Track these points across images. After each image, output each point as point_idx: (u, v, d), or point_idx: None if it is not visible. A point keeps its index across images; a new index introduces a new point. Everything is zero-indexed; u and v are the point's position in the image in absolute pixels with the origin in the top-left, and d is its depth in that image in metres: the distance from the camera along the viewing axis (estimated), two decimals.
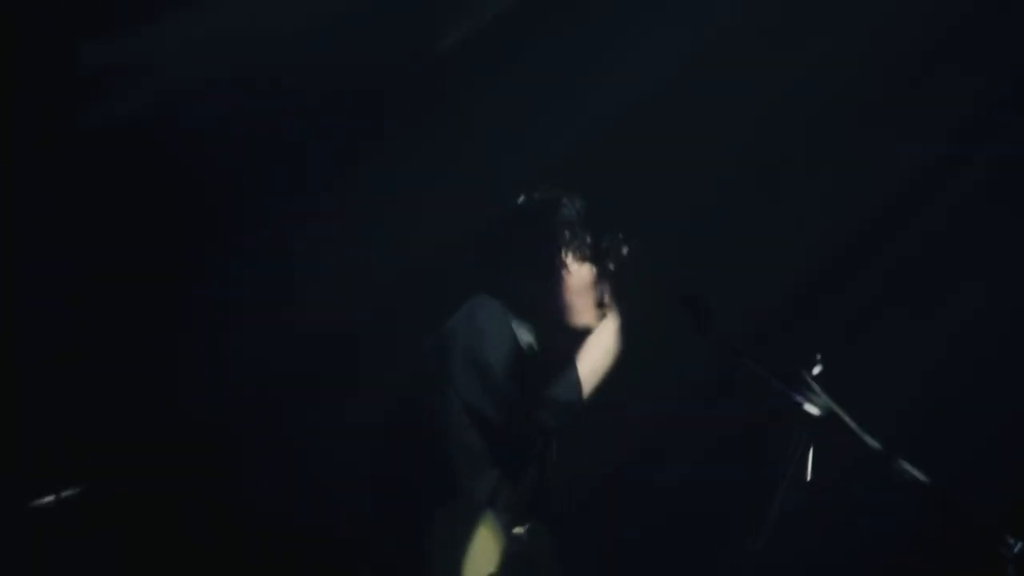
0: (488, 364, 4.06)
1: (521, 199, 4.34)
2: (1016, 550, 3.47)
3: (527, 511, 4.20)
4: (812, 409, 3.70)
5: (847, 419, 3.69)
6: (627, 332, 4.13)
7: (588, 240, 4.27)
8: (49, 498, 4.53)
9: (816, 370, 3.72)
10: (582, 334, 4.25)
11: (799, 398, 3.73)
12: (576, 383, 4.11)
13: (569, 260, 4.26)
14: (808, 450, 3.72)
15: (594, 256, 4.26)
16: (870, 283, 5.57)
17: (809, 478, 3.73)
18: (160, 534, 5.21)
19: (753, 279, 5.37)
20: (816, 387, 3.72)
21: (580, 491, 4.63)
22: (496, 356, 4.08)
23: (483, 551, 4.04)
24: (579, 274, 4.26)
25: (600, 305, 4.26)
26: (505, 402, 4.04)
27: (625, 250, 4.25)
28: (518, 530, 4.16)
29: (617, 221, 4.30)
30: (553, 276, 4.25)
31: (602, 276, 4.26)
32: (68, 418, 5.15)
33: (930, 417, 5.38)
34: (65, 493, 4.54)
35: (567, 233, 4.26)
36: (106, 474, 4.90)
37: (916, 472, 3.61)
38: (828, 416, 3.69)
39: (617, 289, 4.24)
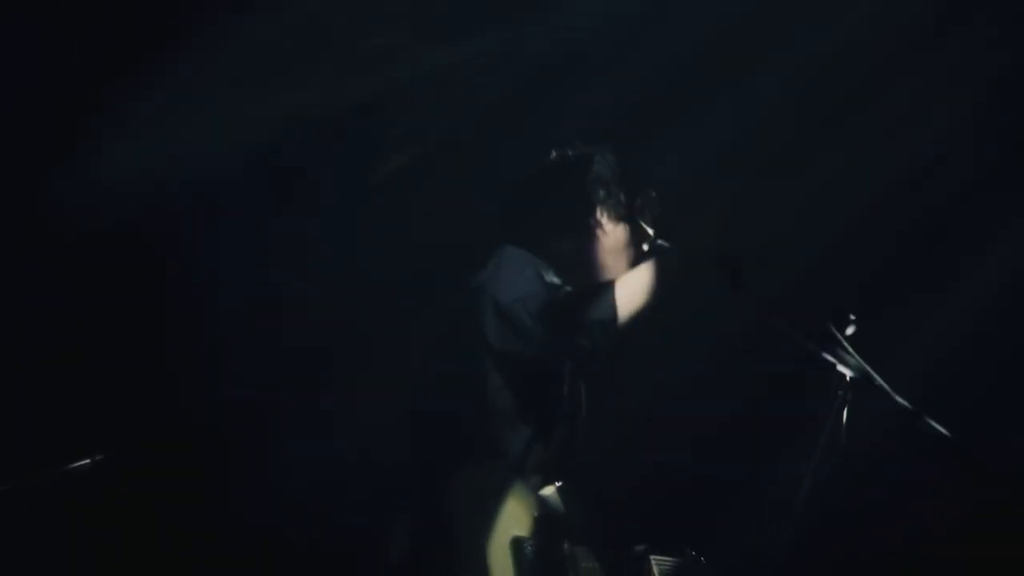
0: (517, 308, 4.01)
1: (554, 156, 4.33)
2: None
3: (557, 471, 4.21)
4: (846, 370, 3.69)
5: (879, 380, 3.69)
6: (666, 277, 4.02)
7: (623, 198, 4.26)
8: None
9: (850, 330, 3.71)
10: None
11: (832, 359, 3.72)
12: (611, 302, 3.97)
13: (604, 219, 4.25)
14: (843, 412, 3.72)
15: (629, 215, 4.26)
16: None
17: (844, 441, 3.73)
18: (152, 533, 5.19)
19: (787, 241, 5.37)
20: (849, 347, 3.71)
21: (610, 450, 4.64)
22: (524, 295, 4.03)
23: (511, 512, 4.03)
24: (614, 233, 4.25)
25: (634, 264, 4.23)
26: (537, 343, 3.99)
27: (660, 208, 4.26)
28: (547, 490, 4.18)
29: (651, 180, 4.31)
30: (588, 235, 4.23)
31: (637, 235, 4.26)
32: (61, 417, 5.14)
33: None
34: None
35: (602, 192, 4.24)
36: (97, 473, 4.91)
37: (945, 432, 3.61)
38: (861, 377, 3.69)
39: (653, 249, 4.23)
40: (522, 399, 4.09)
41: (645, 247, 4.26)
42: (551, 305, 3.99)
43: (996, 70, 5.48)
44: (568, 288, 4.13)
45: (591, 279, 4.19)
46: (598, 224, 4.24)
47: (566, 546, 4.11)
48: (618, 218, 4.25)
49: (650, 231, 4.25)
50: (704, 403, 5.45)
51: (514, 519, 4.03)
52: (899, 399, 3.64)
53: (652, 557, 4.31)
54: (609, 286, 4.01)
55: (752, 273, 3.82)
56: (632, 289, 4.00)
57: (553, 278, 4.14)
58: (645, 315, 4.00)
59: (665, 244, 4.09)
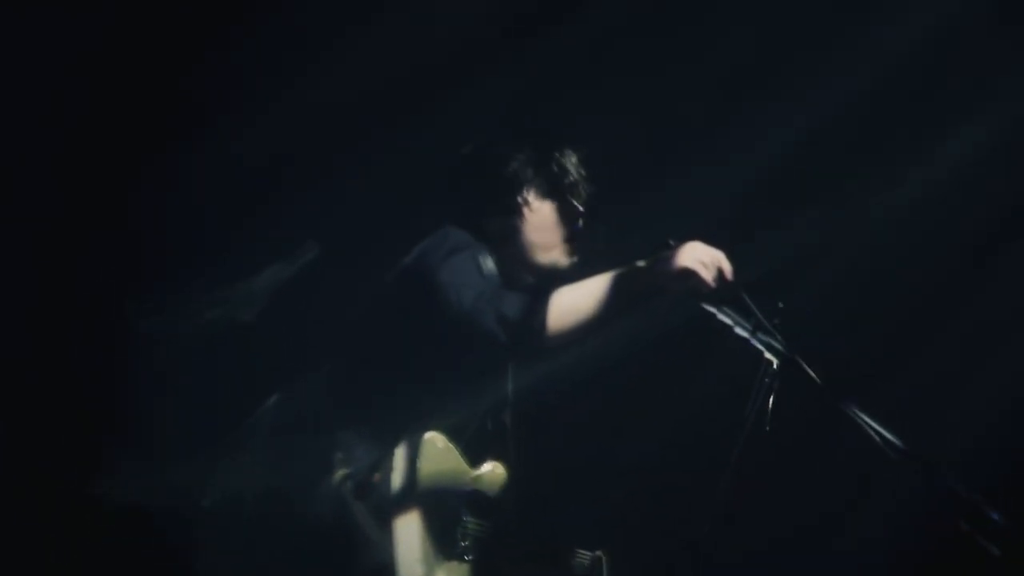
0: (452, 291, 3.97)
1: (482, 141, 4.36)
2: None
3: (496, 453, 4.28)
4: (772, 357, 3.71)
5: (807, 368, 3.70)
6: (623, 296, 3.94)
7: (550, 177, 4.28)
8: None
9: (778, 318, 3.73)
10: (553, 274, 4.25)
11: (760, 345, 3.74)
12: (539, 310, 3.92)
13: (531, 197, 4.27)
14: (769, 399, 3.72)
15: (556, 192, 4.29)
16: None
17: (768, 427, 3.73)
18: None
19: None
20: (778, 334, 3.73)
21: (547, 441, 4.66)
22: (461, 282, 3.98)
23: (439, 471, 4.07)
24: (541, 211, 4.28)
25: (568, 241, 4.29)
26: (464, 328, 3.96)
27: (590, 186, 4.28)
28: (485, 468, 4.24)
29: (583, 160, 4.31)
30: (516, 214, 4.25)
31: (567, 213, 4.29)
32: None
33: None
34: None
35: (529, 170, 4.27)
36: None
37: (876, 424, 3.62)
38: (789, 364, 3.70)
39: (585, 226, 4.26)
40: (441, 370, 4.10)
41: (580, 223, 4.29)
42: (484, 299, 3.97)
43: None
44: (500, 282, 4.12)
45: (523, 257, 4.25)
46: (525, 203, 4.26)
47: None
48: (546, 196, 4.28)
49: (580, 208, 4.27)
50: (633, 394, 5.47)
51: (442, 481, 4.06)
52: (824, 385, 3.65)
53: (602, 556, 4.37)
54: (545, 295, 3.96)
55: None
56: (575, 301, 3.94)
57: (491, 264, 4.15)
58: (590, 328, 3.96)
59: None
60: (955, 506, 3.51)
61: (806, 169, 5.51)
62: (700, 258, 3.83)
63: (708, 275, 3.81)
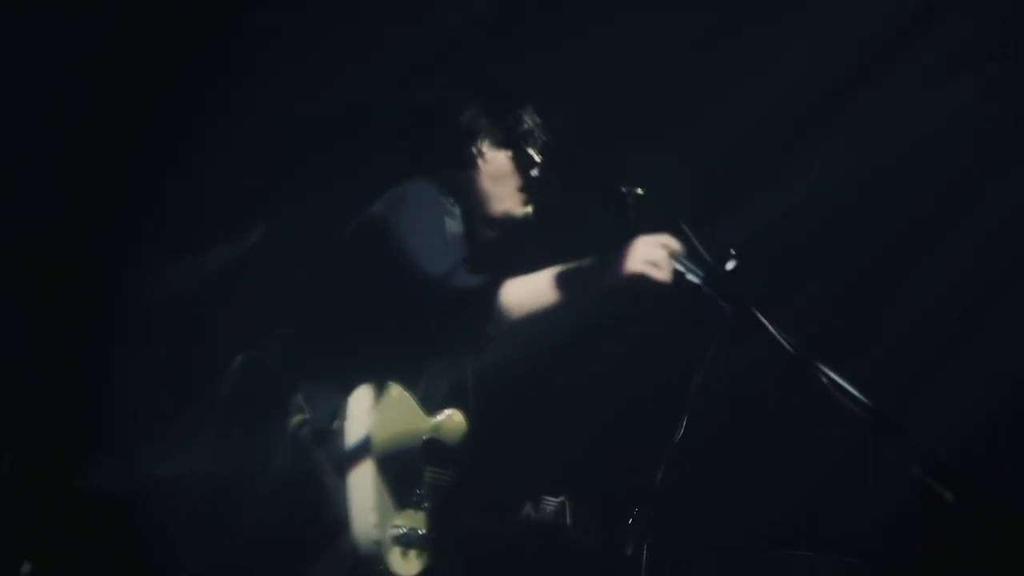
0: (409, 266, 3.98)
1: (435, 89, 4.34)
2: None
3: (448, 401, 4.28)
4: (725, 305, 3.69)
5: (762, 318, 3.68)
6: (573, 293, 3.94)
7: (504, 126, 4.27)
8: None
9: (730, 265, 3.71)
10: (508, 224, 4.27)
11: (714, 293, 3.72)
12: (486, 313, 3.92)
13: (485, 147, 4.26)
14: (723, 349, 3.72)
15: (510, 142, 4.27)
16: None
17: (722, 376, 3.73)
18: None
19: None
20: (730, 282, 3.72)
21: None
22: (420, 262, 3.98)
23: (397, 420, 4.07)
24: (495, 161, 4.27)
25: (522, 191, 4.28)
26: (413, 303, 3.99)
27: (544, 135, 4.26)
28: (443, 415, 4.25)
29: (537, 109, 4.30)
30: (469, 164, 4.25)
31: (521, 162, 4.27)
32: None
33: None
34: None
35: (483, 120, 4.26)
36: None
37: (836, 377, 3.61)
38: (743, 314, 3.69)
39: (540, 175, 4.25)
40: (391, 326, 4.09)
41: (534, 173, 4.27)
42: (437, 285, 3.94)
43: None
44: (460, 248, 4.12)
45: (478, 208, 4.25)
46: (479, 153, 4.25)
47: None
48: (500, 145, 4.26)
49: (536, 157, 4.26)
50: (590, 343, 5.48)
51: (402, 436, 4.07)
52: (780, 336, 3.64)
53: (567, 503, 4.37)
54: (494, 294, 3.92)
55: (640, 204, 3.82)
56: (521, 301, 3.91)
57: (455, 227, 4.14)
58: (535, 327, 3.96)
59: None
60: (907, 452, 3.51)
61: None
62: (647, 258, 3.81)
63: (661, 273, 3.80)
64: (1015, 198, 5.50)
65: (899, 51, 5.46)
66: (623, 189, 3.86)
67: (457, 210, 4.20)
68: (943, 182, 5.59)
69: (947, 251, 5.57)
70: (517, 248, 4.30)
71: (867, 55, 5.48)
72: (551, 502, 4.40)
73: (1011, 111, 5.49)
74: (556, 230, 4.35)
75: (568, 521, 4.38)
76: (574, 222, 4.35)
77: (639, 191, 3.90)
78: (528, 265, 3.97)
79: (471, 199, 4.26)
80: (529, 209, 4.29)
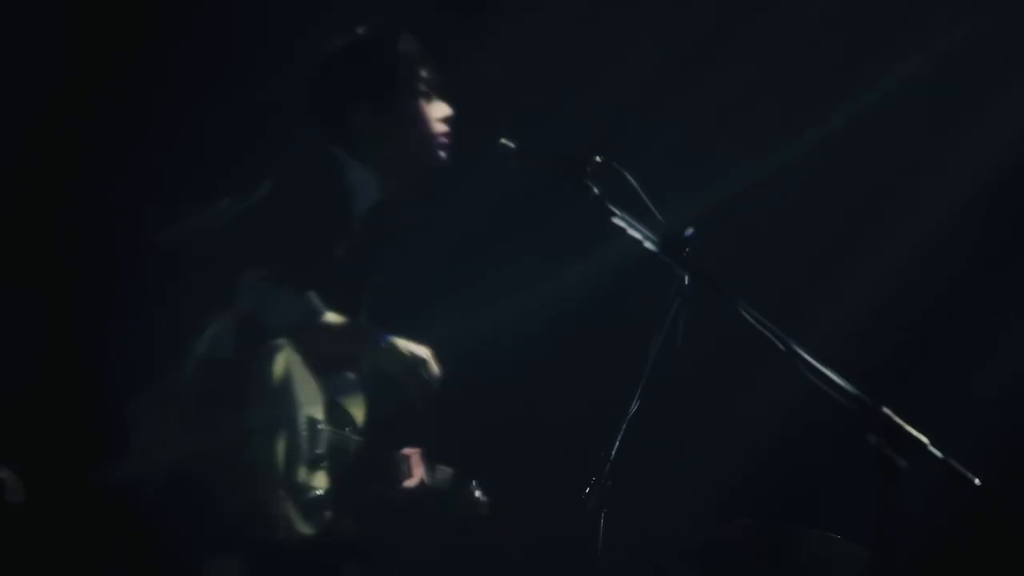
0: None
1: (357, 33, 4.35)
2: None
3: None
4: (682, 272, 3.64)
5: (716, 285, 3.64)
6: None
7: (425, 76, 4.31)
8: None
9: (688, 231, 3.66)
10: (420, 175, 4.31)
11: (670, 260, 3.65)
12: None
13: (405, 93, 4.30)
14: (680, 315, 3.69)
15: (431, 92, 4.31)
16: None
17: (679, 343, 3.70)
18: None
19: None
20: (687, 249, 3.67)
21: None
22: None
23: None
24: (410, 109, 4.30)
25: (436, 144, 4.32)
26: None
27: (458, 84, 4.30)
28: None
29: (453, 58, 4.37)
30: (385, 107, 4.28)
31: (436, 112, 4.31)
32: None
33: None
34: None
35: (403, 66, 4.30)
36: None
37: (796, 346, 3.57)
38: (698, 280, 3.65)
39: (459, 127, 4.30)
40: None
41: (450, 123, 4.33)
42: None
43: None
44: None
45: (390, 154, 4.29)
46: (398, 97, 4.26)
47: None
48: (418, 95, 4.29)
49: (451, 111, 4.30)
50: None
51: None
52: (741, 306, 3.60)
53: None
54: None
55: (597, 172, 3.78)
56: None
57: (372, 190, 4.24)
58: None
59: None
60: (865, 419, 3.50)
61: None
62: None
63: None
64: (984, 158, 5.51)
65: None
66: (582, 157, 3.81)
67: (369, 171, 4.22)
68: (903, 154, 5.60)
69: (905, 225, 5.59)
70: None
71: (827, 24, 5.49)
72: (444, 470, 4.48)
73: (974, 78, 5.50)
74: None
75: (460, 489, 4.48)
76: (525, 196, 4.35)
77: (597, 158, 3.82)
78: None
79: (381, 142, 4.28)
80: (444, 160, 4.33)
